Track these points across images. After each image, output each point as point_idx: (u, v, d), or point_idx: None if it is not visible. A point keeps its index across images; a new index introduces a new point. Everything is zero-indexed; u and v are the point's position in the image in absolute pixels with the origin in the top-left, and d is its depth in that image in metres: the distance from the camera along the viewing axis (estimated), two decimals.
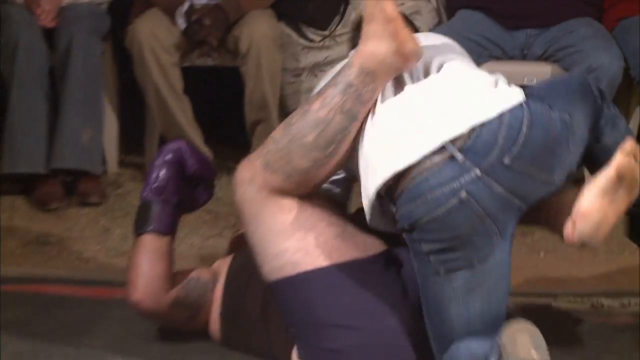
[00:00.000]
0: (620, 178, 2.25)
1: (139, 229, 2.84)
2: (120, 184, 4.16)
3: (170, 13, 3.90)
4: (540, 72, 3.90)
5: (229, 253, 3.06)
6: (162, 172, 2.89)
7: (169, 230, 2.86)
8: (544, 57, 3.93)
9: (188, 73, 4.02)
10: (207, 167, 3.00)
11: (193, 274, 2.90)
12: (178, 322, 2.89)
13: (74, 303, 3.20)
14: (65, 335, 2.94)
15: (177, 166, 2.89)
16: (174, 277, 2.87)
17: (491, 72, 2.72)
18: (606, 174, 2.28)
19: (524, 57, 3.95)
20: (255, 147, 3.87)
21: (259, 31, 3.90)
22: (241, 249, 2.93)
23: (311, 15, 4.16)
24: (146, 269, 2.84)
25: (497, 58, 3.93)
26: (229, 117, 4.25)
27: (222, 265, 2.95)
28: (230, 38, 3.94)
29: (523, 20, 3.94)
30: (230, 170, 4.00)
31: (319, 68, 4.14)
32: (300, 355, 2.63)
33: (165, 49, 3.87)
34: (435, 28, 4.05)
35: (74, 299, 3.22)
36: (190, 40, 3.91)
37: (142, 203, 2.88)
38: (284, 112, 4.03)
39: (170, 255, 2.86)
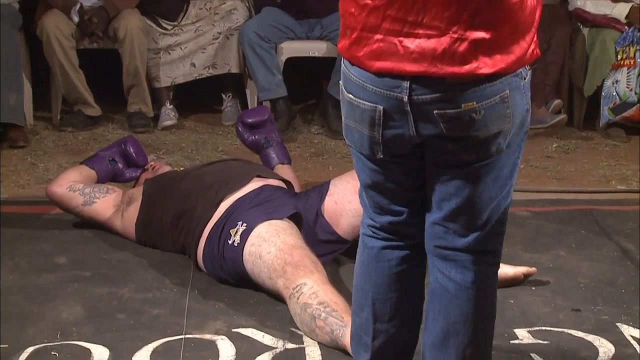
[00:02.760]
0: None
1: (81, 162, 3.60)
2: (37, 132, 4.85)
3: (67, 12, 4.88)
4: (319, 47, 5.02)
5: (135, 186, 3.59)
6: (112, 145, 3.67)
7: (98, 168, 3.52)
8: (320, 38, 5.03)
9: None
10: (140, 157, 3.62)
11: (97, 183, 3.48)
12: (74, 206, 3.39)
13: (19, 218, 3.61)
14: (19, 244, 3.36)
15: (122, 147, 3.63)
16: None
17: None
18: None
19: (308, 38, 5.06)
20: (131, 103, 4.95)
21: (131, 23, 4.88)
22: (151, 179, 3.43)
23: (164, 11, 5.06)
24: (67, 173, 3.48)
25: (291, 39, 5.05)
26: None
27: (135, 190, 3.43)
28: (111, 29, 4.93)
29: (306, 14, 4.99)
30: (112, 119, 5.13)
31: (171, 48, 5.05)
32: (204, 252, 3.09)
33: (65, 37, 4.82)
34: (248, 20, 5.05)
35: (18, 215, 3.65)
36: (83, 32, 4.90)
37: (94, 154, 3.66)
38: (149, 78, 5.04)
39: (88, 179, 3.46)
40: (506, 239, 3.38)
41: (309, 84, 5.46)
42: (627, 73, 4.88)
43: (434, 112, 1.90)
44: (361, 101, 1.96)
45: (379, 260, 2.15)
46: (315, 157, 4.65)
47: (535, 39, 1.98)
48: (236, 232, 3.02)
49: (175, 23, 5.12)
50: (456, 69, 1.86)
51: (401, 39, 1.87)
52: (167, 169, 3.69)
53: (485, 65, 1.86)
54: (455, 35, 1.84)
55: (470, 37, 1.85)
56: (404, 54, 1.87)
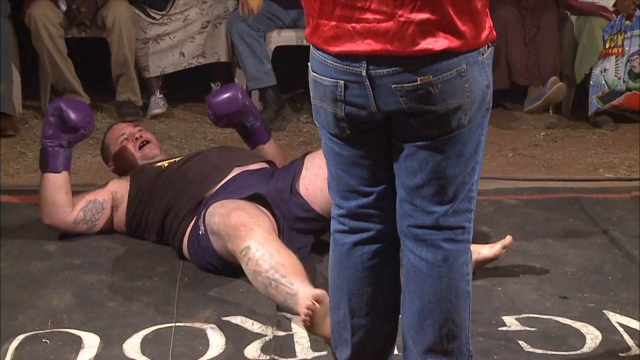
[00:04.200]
0: None
1: (42, 169, 3.34)
2: (26, 121, 4.88)
3: (54, 0, 4.87)
4: None
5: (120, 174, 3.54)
6: (49, 127, 3.31)
7: (63, 167, 3.32)
8: None
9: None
10: (83, 117, 3.32)
11: (90, 197, 3.38)
12: (81, 232, 3.38)
13: (8, 207, 3.64)
14: (9, 232, 3.39)
15: (59, 120, 3.28)
16: (76, 199, 3.36)
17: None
18: None
19: (296, 27, 5.08)
20: (120, 92, 4.95)
21: (119, 12, 4.89)
22: (134, 178, 3.39)
23: (152, 0, 5.08)
24: (50, 201, 3.31)
25: (279, 27, 5.08)
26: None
27: (121, 189, 3.39)
28: (99, 17, 4.94)
29: (293, 4, 4.99)
30: (101, 108, 5.13)
31: (160, 37, 5.07)
32: (189, 249, 3.13)
33: (54, 26, 4.81)
34: (237, 8, 5.00)
35: (7, 204, 3.67)
36: (71, 21, 4.91)
37: (41, 149, 3.34)
38: (139, 68, 5.06)
39: (67, 185, 3.32)
40: (494, 226, 3.53)
41: (298, 72, 5.43)
42: (615, 61, 4.89)
43: (392, 86, 1.96)
44: (324, 78, 2.04)
45: (351, 256, 2.18)
46: (304, 145, 4.65)
47: (489, 22, 2.03)
48: (202, 221, 3.07)
49: (164, 12, 5.13)
50: (408, 49, 1.94)
51: (353, 24, 1.97)
52: (150, 138, 3.61)
53: (435, 45, 1.93)
54: (402, 19, 1.92)
55: (415, 19, 1.92)
56: (358, 39, 1.96)
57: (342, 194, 2.16)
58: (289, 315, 2.79)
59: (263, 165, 3.40)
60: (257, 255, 2.76)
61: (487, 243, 3.34)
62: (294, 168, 3.28)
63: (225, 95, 3.55)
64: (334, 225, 2.21)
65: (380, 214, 2.14)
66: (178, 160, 3.42)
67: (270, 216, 3.07)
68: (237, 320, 2.80)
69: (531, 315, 2.83)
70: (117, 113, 4.99)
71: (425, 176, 2.04)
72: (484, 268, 3.07)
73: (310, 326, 2.52)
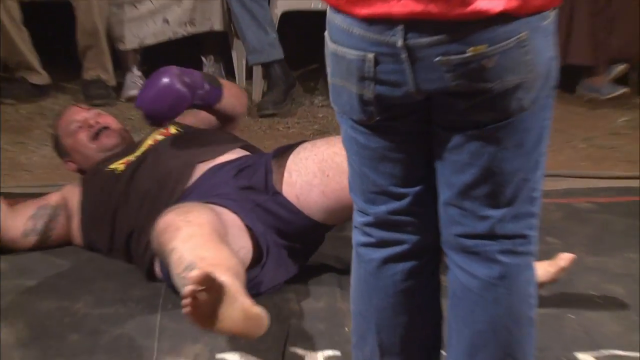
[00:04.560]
0: None
1: None
2: None
3: None
4: None
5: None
6: None
7: None
8: None
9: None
10: None
11: (40, 203, 3.47)
12: (34, 246, 3.43)
13: None
14: None
15: None
16: (22, 206, 3.45)
17: None
18: None
19: None
20: (87, 69, 5.02)
21: None
22: (87, 186, 3.45)
23: None
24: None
25: None
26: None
27: (73, 196, 3.46)
28: None
29: None
30: (64, 88, 5.17)
31: (138, 0, 5.09)
32: (163, 273, 3.09)
33: None
34: None
35: None
36: None
37: None
38: (111, 38, 5.10)
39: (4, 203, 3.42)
40: (563, 237, 3.51)
41: (311, 44, 5.45)
42: None
43: (436, 59, 1.92)
44: (347, 50, 1.99)
45: (380, 278, 2.16)
46: (319, 134, 4.66)
47: None
48: None
49: None
50: (456, 11, 1.88)
51: None
52: (110, 122, 3.63)
53: (490, 5, 1.88)
54: None
55: None
56: None
57: (368, 196, 2.13)
58: (300, 351, 2.78)
59: (233, 155, 3.35)
60: (179, 254, 2.72)
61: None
62: (266, 159, 3.26)
63: (156, 90, 3.46)
64: (356, 236, 2.19)
65: (416, 222, 2.13)
66: (134, 161, 3.41)
67: (216, 208, 3.04)
68: (235, 357, 2.80)
69: (613, 351, 2.80)
70: (84, 95, 5.05)
71: (476, 172, 2.01)
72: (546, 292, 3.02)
73: (197, 319, 2.41)
